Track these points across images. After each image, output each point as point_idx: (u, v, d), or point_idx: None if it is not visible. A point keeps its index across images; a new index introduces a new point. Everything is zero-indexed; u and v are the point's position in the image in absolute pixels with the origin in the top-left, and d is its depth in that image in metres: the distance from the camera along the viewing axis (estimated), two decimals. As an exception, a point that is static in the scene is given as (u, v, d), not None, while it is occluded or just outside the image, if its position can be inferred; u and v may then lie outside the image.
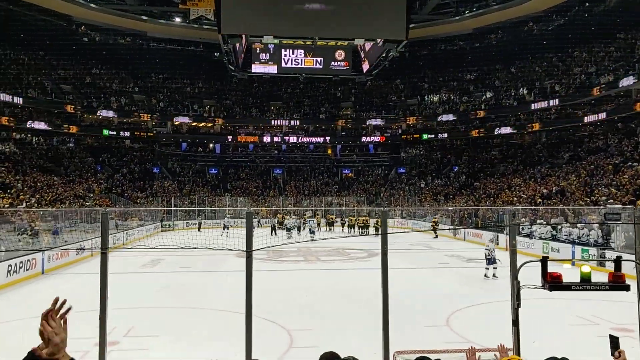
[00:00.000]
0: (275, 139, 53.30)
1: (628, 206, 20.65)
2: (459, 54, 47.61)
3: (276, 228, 32.86)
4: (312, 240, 26.26)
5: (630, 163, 29.82)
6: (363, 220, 34.45)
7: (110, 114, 46.73)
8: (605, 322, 10.51)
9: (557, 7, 38.91)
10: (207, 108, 52.40)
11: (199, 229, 35.77)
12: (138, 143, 51.02)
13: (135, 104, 49.56)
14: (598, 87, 36.65)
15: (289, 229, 30.50)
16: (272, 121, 52.30)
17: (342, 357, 3.14)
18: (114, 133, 48.34)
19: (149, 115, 49.12)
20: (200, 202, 43.54)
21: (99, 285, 4.28)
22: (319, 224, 33.59)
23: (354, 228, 34.20)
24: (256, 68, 34.46)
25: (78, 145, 47.08)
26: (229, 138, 52.85)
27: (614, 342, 3.23)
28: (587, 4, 37.92)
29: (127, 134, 49.18)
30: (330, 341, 9.12)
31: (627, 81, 33.88)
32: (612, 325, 10.28)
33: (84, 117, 46.70)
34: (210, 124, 52.73)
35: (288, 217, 35.04)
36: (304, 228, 32.49)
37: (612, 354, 3.22)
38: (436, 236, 30.93)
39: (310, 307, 12.48)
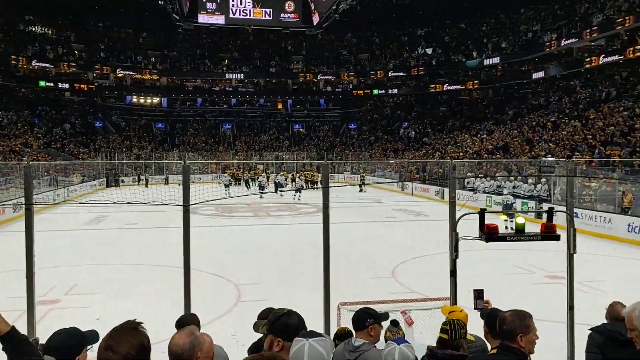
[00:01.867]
0: (225, 93, 52.03)
1: (561, 159, 21.50)
2: (410, 8, 47.28)
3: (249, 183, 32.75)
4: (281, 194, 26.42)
5: (568, 119, 30.95)
6: (311, 174, 34.51)
7: (46, 64, 44.14)
8: (540, 270, 11.06)
9: (507, -37, 39.06)
10: (152, 60, 50.31)
11: (146, 185, 34.96)
12: (78, 96, 48.61)
13: (73, 53, 46.96)
14: (542, 45, 37.46)
15: (261, 187, 29.91)
16: (221, 75, 50.84)
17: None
18: (52, 85, 45.79)
19: (89, 66, 46.74)
20: (146, 157, 42.38)
21: (25, 243, 4.04)
22: (287, 180, 33.18)
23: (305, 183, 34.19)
24: (202, 18, 33.26)
25: (12, 97, 44.40)
26: (176, 92, 51.19)
27: (479, 295, 3.31)
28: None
29: (66, 85, 46.70)
30: (278, 294, 9.19)
31: (568, 40, 34.74)
32: (545, 273, 10.84)
33: (18, 67, 43.89)
34: (156, 77, 50.78)
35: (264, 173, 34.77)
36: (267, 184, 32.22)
37: (475, 307, 3.30)
38: (361, 190, 31.34)
39: (259, 262, 12.51)
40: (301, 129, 53.04)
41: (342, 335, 3.32)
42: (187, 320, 3.25)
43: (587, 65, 33.82)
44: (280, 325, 2.26)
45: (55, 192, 25.14)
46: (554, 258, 10.52)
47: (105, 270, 11.63)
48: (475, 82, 45.32)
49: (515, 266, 11.39)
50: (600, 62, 32.53)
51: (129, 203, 5.69)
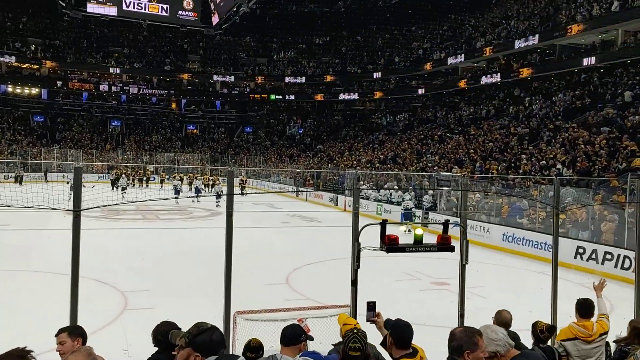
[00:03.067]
0: (114, 88, 49.33)
1: (457, 174, 22.99)
2: (309, 16, 48.16)
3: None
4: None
5: (452, 135, 33.17)
6: (207, 178, 33.82)
7: None
8: (426, 277, 11.69)
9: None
10: (32, 47, 46.40)
11: (20, 183, 32.13)
12: (-57, 81, 43.65)
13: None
14: (430, 63, 39.91)
15: (177, 191, 27.55)
16: (111, 69, 48.09)
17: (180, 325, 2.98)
18: None
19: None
20: (22, 153, 38.99)
21: None
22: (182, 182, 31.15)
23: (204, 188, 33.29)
24: (92, 7, 31.32)
25: None
26: (59, 83, 47.66)
27: (371, 307, 3.46)
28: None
29: None
30: (168, 302, 8.85)
31: (454, 59, 37.37)
32: (431, 279, 11.48)
33: None
34: (36, 66, 46.90)
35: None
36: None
37: (368, 319, 3.44)
38: (243, 193, 30.99)
39: (148, 267, 11.97)
40: (195, 130, 51.78)
41: (256, 348, 3.19)
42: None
43: (470, 85, 36.64)
44: (203, 341, 2.17)
45: None
46: (438, 264, 11.19)
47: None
48: (370, 93, 47.15)
49: (403, 272, 11.93)
50: (482, 83, 35.29)
51: (8, 206, 5.17)
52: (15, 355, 1.63)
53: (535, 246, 14.60)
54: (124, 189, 27.40)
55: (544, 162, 21.94)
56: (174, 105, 53.38)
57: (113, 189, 28.77)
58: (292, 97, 51.68)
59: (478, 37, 36.66)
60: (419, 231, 3.97)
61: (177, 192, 25.60)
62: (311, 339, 3.20)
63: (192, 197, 27.31)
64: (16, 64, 45.71)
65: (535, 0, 34.24)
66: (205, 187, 31.51)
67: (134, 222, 20.04)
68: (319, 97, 50.08)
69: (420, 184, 25.56)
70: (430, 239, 4.24)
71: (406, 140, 36.35)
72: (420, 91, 42.04)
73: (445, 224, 4.12)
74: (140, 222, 19.99)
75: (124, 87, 49.70)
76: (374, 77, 45.59)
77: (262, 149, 47.77)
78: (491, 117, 32.74)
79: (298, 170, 36.93)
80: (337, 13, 46.82)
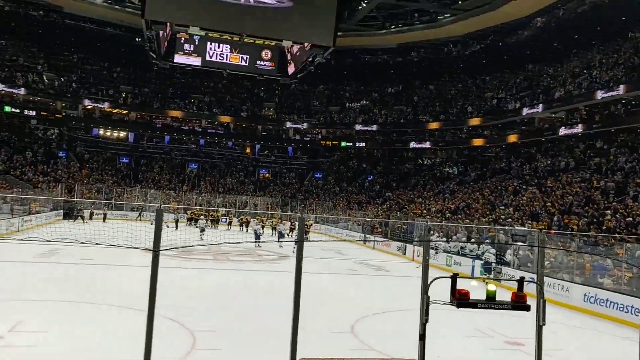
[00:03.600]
0: (193, 133, 51.88)
1: (534, 230, 22.07)
2: (382, 66, 48.87)
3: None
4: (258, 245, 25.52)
5: (527, 187, 31.98)
6: (276, 222, 34.36)
7: (15, 89, 43.35)
8: (499, 335, 11.10)
9: (474, 33, 41.03)
10: (123, 94, 50.02)
11: (104, 220, 34.04)
12: (44, 124, 47.63)
13: (44, 82, 46.31)
14: (506, 113, 39.16)
15: (257, 236, 26.96)
16: (192, 115, 50.83)
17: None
18: (18, 111, 44.82)
19: (59, 96, 46.15)
20: (108, 191, 41.45)
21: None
22: (263, 227, 31.52)
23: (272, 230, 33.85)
24: (179, 58, 33.38)
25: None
26: (145, 128, 50.80)
27: None
28: (501, 34, 40.31)
29: (33, 113, 45.78)
30: (235, 344, 8.94)
31: (530, 110, 36.47)
32: (505, 338, 10.89)
33: (-17, 90, 43.00)
34: (125, 112, 50.41)
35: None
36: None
37: None
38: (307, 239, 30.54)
39: (217, 308, 12.18)
40: (267, 174, 53.09)
41: None
42: None
43: (548, 136, 35.49)
44: None
45: (9, 220, 24.19)
46: (512, 322, 10.63)
47: (54, 308, 11.09)
48: (441, 142, 46.76)
49: (475, 329, 11.41)
50: (560, 134, 34.08)
51: (97, 244, 5.50)
52: None
53: (621, 309, 13.54)
54: (202, 230, 27.68)
55: (631, 218, 20.60)
56: (248, 150, 55.26)
57: (187, 226, 29.90)
58: (363, 144, 52.14)
59: (557, 87, 35.68)
60: (492, 287, 3.82)
61: (258, 236, 25.71)
62: None
63: (275, 241, 27.30)
64: (108, 110, 49.35)
65: (620, 51, 33.07)
66: (290, 232, 31.47)
67: (205, 262, 20.57)
68: (389, 145, 50.22)
69: (492, 236, 24.65)
70: (503, 295, 4.07)
71: (478, 191, 35.44)
72: (497, 141, 41.17)
73: (521, 281, 3.94)
74: (210, 263, 20.49)
75: (203, 132, 52.11)
76: (446, 126, 45.31)
77: (331, 195, 48.13)
78: (571, 169, 31.39)
79: (367, 218, 36.76)
80: (410, 63, 47.25)
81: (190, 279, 16.07)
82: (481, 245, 21.65)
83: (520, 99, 38.78)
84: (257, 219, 33.25)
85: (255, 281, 16.30)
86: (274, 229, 33.57)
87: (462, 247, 23.07)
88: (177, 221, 32.36)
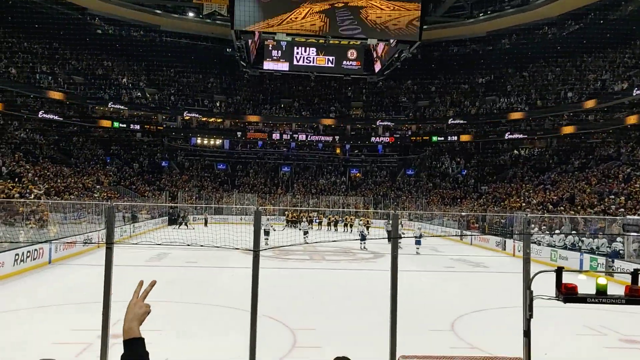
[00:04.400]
0: (285, 136, 53.25)
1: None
2: (471, 57, 47.35)
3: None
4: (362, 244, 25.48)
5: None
6: (365, 221, 34.40)
7: (121, 106, 46.96)
8: (613, 333, 10.38)
9: (572, 12, 38.63)
10: (217, 103, 52.46)
11: (205, 224, 35.86)
12: (148, 136, 51.22)
13: (146, 97, 49.74)
14: (612, 95, 36.36)
15: (364, 237, 25.95)
16: (282, 119, 52.23)
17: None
18: (124, 126, 48.56)
19: (159, 109, 49.34)
20: (207, 197, 43.63)
21: (103, 279, 4.25)
22: (367, 228, 31.00)
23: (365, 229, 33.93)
24: (268, 65, 34.52)
25: (89, 136, 47.32)
26: (238, 134, 52.89)
27: None
28: (602, 11, 37.57)
29: (137, 127, 49.41)
30: (334, 342, 9.07)
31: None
32: (619, 336, 10.16)
33: (95, 108, 46.98)
34: (220, 120, 52.83)
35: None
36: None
37: None
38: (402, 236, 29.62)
39: (315, 307, 12.43)
40: (358, 174, 53.23)
41: None
42: None
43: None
44: None
45: (122, 227, 26.21)
46: (629, 319, 9.90)
47: (167, 308, 11.86)
48: (539, 131, 44.35)
49: (585, 326, 10.75)
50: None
51: (202, 246, 5.86)
52: None
53: None
54: (305, 232, 27.61)
55: None
56: (338, 151, 55.74)
57: (285, 228, 30.64)
58: (455, 138, 50.76)
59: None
60: (602, 280, 3.59)
61: (363, 237, 25.29)
62: None
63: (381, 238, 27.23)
64: (204, 119, 52.01)
65: None
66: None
67: (302, 262, 21.04)
68: (482, 137, 48.42)
69: (602, 228, 23.02)
70: (615, 290, 3.82)
71: (583, 180, 33.21)
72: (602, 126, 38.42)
73: (635, 274, 3.67)
74: (307, 263, 20.92)
75: (294, 135, 53.31)
76: (543, 114, 42.84)
77: (424, 191, 47.30)
78: (690, 151, 28.58)
79: (462, 213, 35.76)
80: (501, 50, 45.33)
81: (289, 278, 16.53)
82: (591, 239, 20.31)
83: (628, 79, 35.85)
84: (363, 220, 33.40)
85: (352, 280, 16.43)
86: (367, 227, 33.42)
87: (569, 242, 21.74)
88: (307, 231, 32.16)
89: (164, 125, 51.09)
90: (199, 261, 18.90)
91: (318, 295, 13.77)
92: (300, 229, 29.30)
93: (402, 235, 29.15)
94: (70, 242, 19.71)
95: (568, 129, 41.76)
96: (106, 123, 47.62)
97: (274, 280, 15.05)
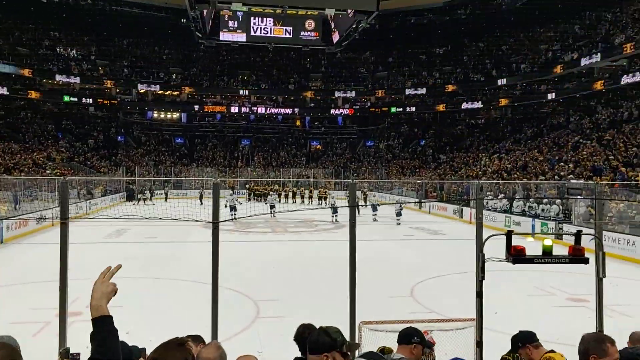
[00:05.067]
0: (243, 109, 52.50)
1: (589, 182, 21.32)
2: (429, 27, 47.50)
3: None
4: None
5: (587, 141, 30.65)
6: (324, 191, 34.69)
7: (71, 79, 45.13)
8: (561, 293, 10.92)
9: (526, -17, 39.10)
10: (173, 76, 51.13)
11: (165, 199, 35.33)
12: (101, 110, 49.59)
13: (97, 69, 47.97)
14: (561, 65, 37.35)
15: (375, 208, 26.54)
16: (240, 91, 51.35)
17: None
18: (76, 99, 46.80)
19: (113, 81, 47.71)
20: (166, 172, 42.89)
21: (59, 256, 4.17)
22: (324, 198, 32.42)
23: (320, 200, 34.22)
24: (224, 36, 33.84)
25: (38, 111, 45.44)
26: (196, 107, 51.86)
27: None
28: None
29: (90, 100, 47.71)
30: (296, 312, 9.20)
31: (588, 60, 34.58)
32: (567, 295, 10.70)
33: (42, 82, 44.99)
34: (176, 92, 51.58)
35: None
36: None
37: None
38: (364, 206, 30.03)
39: (278, 278, 12.55)
40: (318, 146, 53.27)
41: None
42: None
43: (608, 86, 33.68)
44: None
45: (77, 204, 25.54)
46: (576, 280, 10.43)
47: (127, 284, 11.71)
48: (494, 101, 45.26)
49: (535, 287, 11.26)
50: (623, 82, 32.26)
51: (160, 219, 5.79)
52: (174, 344, 1.88)
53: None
54: (272, 206, 26.72)
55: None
56: (298, 123, 55.51)
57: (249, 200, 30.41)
58: (413, 108, 51.25)
59: (617, 34, 33.66)
60: (548, 242, 3.78)
61: (335, 209, 24.80)
62: (428, 346, 3.25)
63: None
64: (160, 92, 50.66)
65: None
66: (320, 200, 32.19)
67: (264, 234, 21.10)
68: (440, 107, 49.09)
69: (550, 193, 23.93)
70: (563, 252, 4.01)
71: (536, 149, 34.28)
72: (550, 96, 39.53)
73: (578, 234, 3.87)
74: (269, 235, 21.00)
75: (253, 108, 52.69)
76: (499, 84, 43.69)
77: (384, 162, 47.84)
78: (634, 119, 29.80)
79: (419, 181, 36.42)
80: (458, 21, 45.65)
81: (250, 251, 16.58)
82: (542, 205, 21.10)
83: (577, 49, 36.86)
84: (321, 191, 33.70)
85: (314, 250, 16.61)
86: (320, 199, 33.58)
87: (520, 208, 22.53)
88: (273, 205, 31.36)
89: (118, 99, 49.57)
90: (159, 236, 18.68)
91: (281, 267, 13.88)
92: (267, 203, 28.33)
93: (364, 205, 29.60)
94: (23, 218, 19.12)
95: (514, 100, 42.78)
96: (55, 97, 45.79)
97: (236, 253, 15.06)
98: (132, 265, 13.61)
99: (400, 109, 51.78)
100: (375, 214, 25.19)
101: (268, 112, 53.33)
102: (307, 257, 15.34)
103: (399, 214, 24.60)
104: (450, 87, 47.30)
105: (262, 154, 50.17)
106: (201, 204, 30.03)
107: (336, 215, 24.82)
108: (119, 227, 20.92)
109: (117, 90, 49.17)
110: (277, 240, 19.45)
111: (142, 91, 49.91)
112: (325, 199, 33.04)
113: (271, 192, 32.22)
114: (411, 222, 24.94)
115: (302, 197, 37.08)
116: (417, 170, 43.52)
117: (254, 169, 46.34)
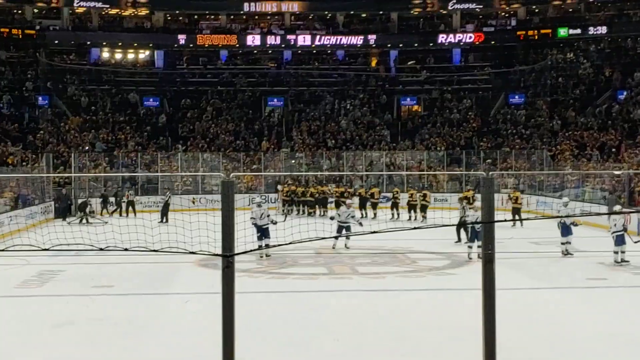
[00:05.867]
0: (271, 39, 52.82)
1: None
2: None
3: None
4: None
5: None
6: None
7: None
8: None
9: None
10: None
11: (128, 212, 36.03)
12: (7, 50, 50.59)
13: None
14: None
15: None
16: (266, 4, 51.55)
17: None
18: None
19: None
20: (128, 162, 43.61)
21: None
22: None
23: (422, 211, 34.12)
24: None
25: None
26: (181, 39, 52.39)
27: None
28: None
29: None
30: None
31: None
32: None
33: None
34: (144, 12, 52.19)
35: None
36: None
37: None
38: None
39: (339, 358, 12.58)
40: (416, 107, 52.88)
41: None
42: None
43: None
44: None
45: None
46: None
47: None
48: None
49: None
50: None
51: (125, 249, 5.93)
52: None
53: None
54: (345, 227, 26.31)
55: None
56: (374, 63, 55.72)
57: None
58: (604, 29, 50.52)
59: None
60: None
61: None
62: None
63: None
64: (114, 12, 51.77)
65: None
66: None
67: (312, 279, 21.21)
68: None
69: None
70: None
71: None
72: None
73: None
74: (323, 280, 21.11)
75: (288, 37, 53.04)
76: None
77: (546, 135, 47.30)
78: None
79: (618, 172, 35.71)
80: None
81: (287, 309, 16.67)
82: None
83: None
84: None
85: (407, 309, 16.58)
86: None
87: None
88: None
89: (38, 27, 50.64)
90: (117, 284, 18.97)
91: (345, 339, 13.89)
92: (333, 219, 26.81)
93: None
94: None
95: None
96: None
97: (261, 312, 15.15)
98: (65, 342, 13.71)
99: (578, 31, 50.88)
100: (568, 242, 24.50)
101: (317, 43, 53.30)
102: (397, 323, 15.21)
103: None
104: None
105: (306, 123, 49.93)
106: (163, 220, 30.58)
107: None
108: (43, 267, 21.35)
109: (36, 11, 50.38)
110: (338, 290, 19.41)
111: (79, 10, 50.82)
112: (426, 208, 33.07)
113: (344, 200, 32.26)
114: (598, 254, 24.31)
115: (395, 206, 36.82)
116: (614, 150, 42.57)
117: (292, 153, 46.26)
